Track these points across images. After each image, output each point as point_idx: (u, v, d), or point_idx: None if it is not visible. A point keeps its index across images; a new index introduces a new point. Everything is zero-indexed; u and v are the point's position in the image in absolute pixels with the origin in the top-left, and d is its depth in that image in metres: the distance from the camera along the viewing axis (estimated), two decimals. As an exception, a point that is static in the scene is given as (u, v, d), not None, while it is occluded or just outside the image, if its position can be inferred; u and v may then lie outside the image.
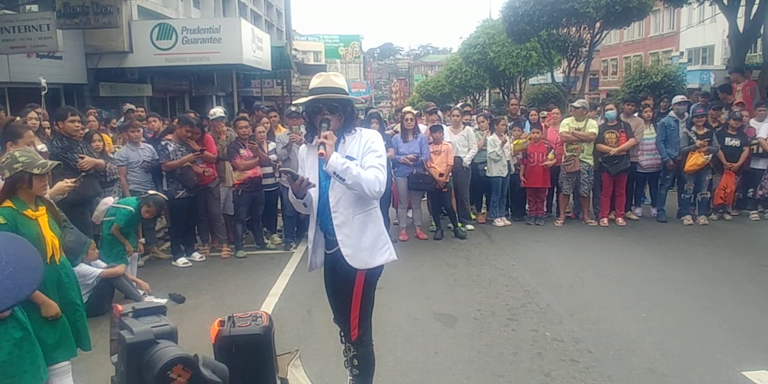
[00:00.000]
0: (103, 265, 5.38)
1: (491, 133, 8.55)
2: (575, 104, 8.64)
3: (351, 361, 3.30)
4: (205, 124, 7.64)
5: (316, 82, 3.14)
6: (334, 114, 3.08)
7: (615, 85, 31.78)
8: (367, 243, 3.10)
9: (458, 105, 13.03)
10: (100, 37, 13.87)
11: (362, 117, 9.71)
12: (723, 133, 8.41)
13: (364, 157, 3.03)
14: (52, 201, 3.56)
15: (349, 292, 3.17)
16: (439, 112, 9.64)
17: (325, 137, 2.90)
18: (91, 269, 5.15)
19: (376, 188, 2.94)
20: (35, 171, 3.20)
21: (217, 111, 7.93)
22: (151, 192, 6.16)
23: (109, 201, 5.87)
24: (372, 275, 3.19)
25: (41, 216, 3.27)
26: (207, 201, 7.19)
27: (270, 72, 20.83)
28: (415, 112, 8.63)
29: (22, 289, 1.29)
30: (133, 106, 8.88)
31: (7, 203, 3.19)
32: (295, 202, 3.19)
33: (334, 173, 2.89)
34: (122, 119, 8.88)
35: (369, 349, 3.30)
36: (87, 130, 6.41)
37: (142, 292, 5.45)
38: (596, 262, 6.66)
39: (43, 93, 7.45)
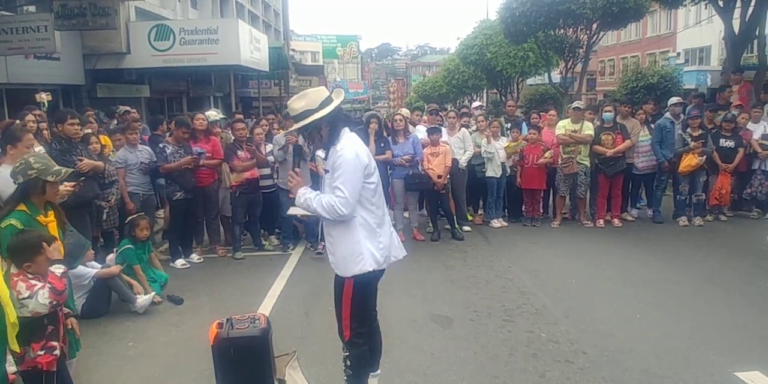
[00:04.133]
0: (98, 265, 5.40)
1: (486, 134, 8.54)
2: (573, 105, 8.68)
3: (344, 361, 3.37)
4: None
5: None
6: (306, 136, 3.42)
7: (612, 85, 31.80)
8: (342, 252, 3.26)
9: (475, 104, 13.06)
10: (98, 38, 13.89)
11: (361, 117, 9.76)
12: (718, 135, 8.46)
13: (333, 175, 3.19)
14: (59, 206, 3.57)
15: (339, 294, 3.30)
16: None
17: (292, 177, 3.36)
18: (87, 270, 5.17)
19: (336, 213, 3.13)
20: (49, 178, 3.22)
21: (211, 114, 7.95)
22: (127, 220, 6.05)
23: (110, 258, 5.80)
24: (359, 282, 3.25)
25: (51, 222, 3.29)
26: (206, 202, 7.21)
27: (268, 73, 20.86)
28: (408, 116, 8.60)
29: None
30: (128, 108, 8.87)
31: (22, 207, 3.21)
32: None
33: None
34: (115, 122, 8.88)
35: (361, 351, 3.35)
36: (87, 131, 6.43)
37: (134, 294, 5.44)
38: (592, 263, 6.70)
39: (43, 109, 7.46)
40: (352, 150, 3.18)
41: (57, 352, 3.02)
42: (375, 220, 3.27)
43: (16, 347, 2.85)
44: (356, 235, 3.21)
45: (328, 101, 3.22)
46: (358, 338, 3.31)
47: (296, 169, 3.51)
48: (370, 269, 3.22)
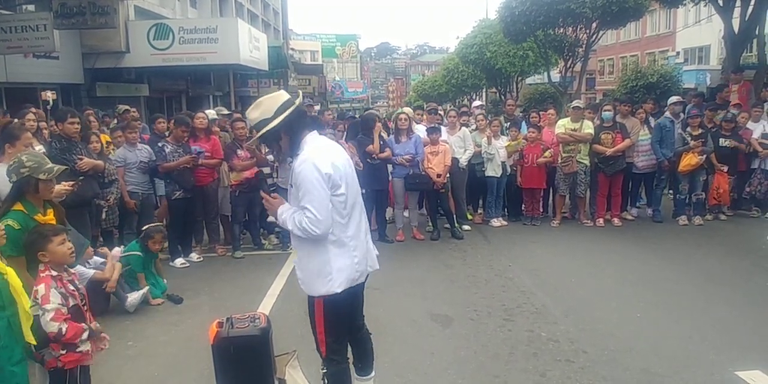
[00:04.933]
0: (100, 259, 5.36)
1: (487, 134, 8.54)
2: (573, 105, 8.68)
3: (323, 379, 3.22)
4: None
5: None
6: (270, 145, 3.33)
7: (612, 84, 31.86)
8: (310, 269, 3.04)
9: (475, 103, 13.06)
10: (97, 37, 13.90)
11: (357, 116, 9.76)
12: (717, 134, 8.46)
13: (298, 193, 2.93)
14: (59, 204, 3.57)
15: (311, 312, 3.15)
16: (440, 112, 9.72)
17: (266, 200, 3.14)
18: (84, 270, 5.15)
19: (309, 233, 2.87)
20: (41, 176, 3.22)
21: (210, 113, 7.94)
22: (144, 228, 5.96)
23: (116, 253, 5.75)
24: (330, 302, 3.03)
25: (50, 221, 3.29)
26: (205, 202, 7.20)
27: (267, 72, 20.90)
28: (412, 115, 8.60)
29: None
30: (128, 107, 8.87)
31: (18, 207, 3.20)
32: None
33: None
34: (115, 121, 8.88)
35: (339, 369, 3.18)
36: (89, 129, 6.43)
37: (125, 295, 5.41)
38: (592, 263, 6.70)
39: (48, 107, 7.49)
40: (310, 163, 2.86)
41: (89, 346, 3.17)
42: (347, 233, 3.01)
43: (31, 339, 2.85)
44: (326, 254, 2.96)
45: (286, 106, 2.93)
46: (335, 355, 3.14)
47: (273, 194, 3.18)
48: (339, 291, 2.97)
